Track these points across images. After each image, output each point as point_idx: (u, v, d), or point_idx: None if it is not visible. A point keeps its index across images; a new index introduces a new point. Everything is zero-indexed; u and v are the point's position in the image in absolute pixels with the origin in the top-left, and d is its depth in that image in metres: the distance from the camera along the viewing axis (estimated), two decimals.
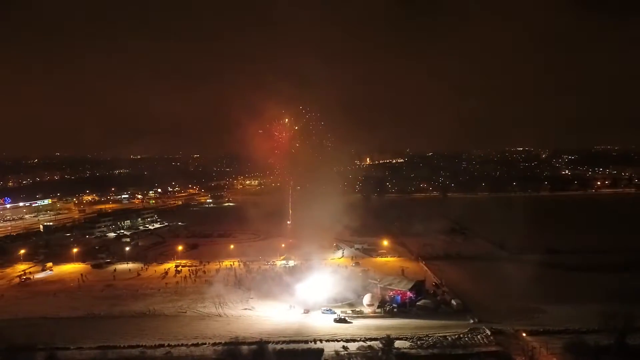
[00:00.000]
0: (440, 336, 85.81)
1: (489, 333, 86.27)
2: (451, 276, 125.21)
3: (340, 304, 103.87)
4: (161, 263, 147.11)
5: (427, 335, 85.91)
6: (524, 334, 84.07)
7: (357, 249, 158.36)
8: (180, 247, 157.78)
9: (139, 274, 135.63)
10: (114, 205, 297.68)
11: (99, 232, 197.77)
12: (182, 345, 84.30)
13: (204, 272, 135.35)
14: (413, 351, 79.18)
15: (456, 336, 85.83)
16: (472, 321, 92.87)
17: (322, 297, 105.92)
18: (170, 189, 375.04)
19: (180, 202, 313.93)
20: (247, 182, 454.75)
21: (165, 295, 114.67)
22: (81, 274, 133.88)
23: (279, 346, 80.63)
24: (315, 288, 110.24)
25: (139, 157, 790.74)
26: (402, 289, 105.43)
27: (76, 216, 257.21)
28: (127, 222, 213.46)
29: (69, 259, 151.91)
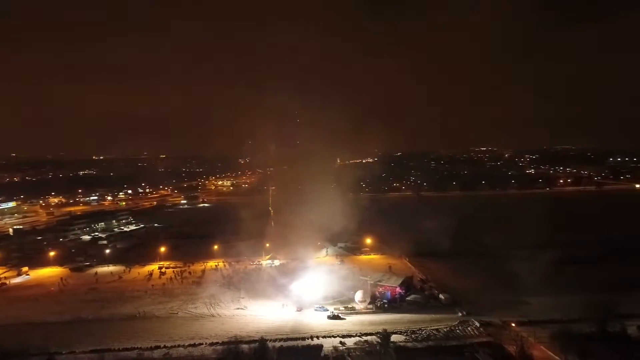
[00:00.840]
0: (432, 329, 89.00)
1: (479, 325, 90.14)
2: (435, 272, 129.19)
3: (332, 301, 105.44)
4: (143, 265, 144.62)
5: (420, 329, 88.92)
6: (513, 324, 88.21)
7: (341, 247, 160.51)
8: (162, 249, 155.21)
9: (120, 277, 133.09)
10: (84, 208, 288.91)
11: (73, 234, 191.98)
12: (179, 346, 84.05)
13: (190, 273, 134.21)
14: (409, 344, 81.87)
15: (448, 329, 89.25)
16: (460, 314, 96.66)
17: (314, 295, 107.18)
18: (141, 190, 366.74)
19: (153, 204, 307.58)
20: (220, 182, 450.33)
21: (154, 297, 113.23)
22: (61, 278, 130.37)
23: (278, 344, 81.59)
24: (306, 286, 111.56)
25: (102, 157, 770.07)
26: (391, 285, 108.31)
27: (44, 219, 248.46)
28: (102, 225, 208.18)
29: (45, 263, 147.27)
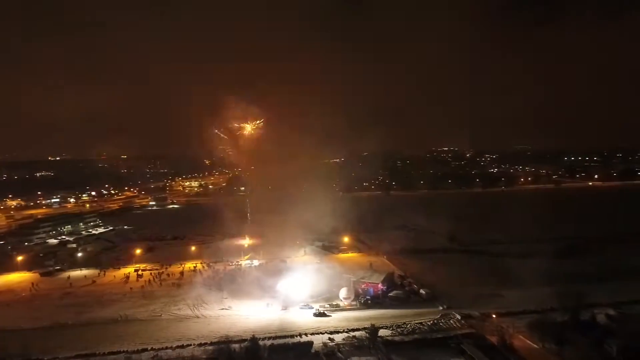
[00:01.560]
0: (417, 323, 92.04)
1: (460, 317, 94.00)
2: (413, 268, 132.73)
3: (316, 299, 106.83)
4: (118, 268, 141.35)
5: (404, 323, 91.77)
6: (494, 316, 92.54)
7: (318, 246, 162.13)
8: (138, 251, 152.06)
9: (94, 281, 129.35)
10: (46, 210, 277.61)
11: (38, 238, 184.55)
12: (167, 348, 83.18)
13: (168, 275, 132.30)
14: (397, 338, 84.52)
15: (431, 322, 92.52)
16: (441, 308, 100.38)
17: (298, 293, 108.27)
18: (105, 192, 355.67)
19: (119, 205, 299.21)
20: (187, 183, 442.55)
21: (134, 300, 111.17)
22: (32, 283, 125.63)
23: (268, 342, 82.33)
24: (289, 285, 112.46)
25: (58, 158, 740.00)
26: (374, 282, 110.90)
27: (4, 222, 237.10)
28: (69, 228, 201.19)
29: (11, 268, 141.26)
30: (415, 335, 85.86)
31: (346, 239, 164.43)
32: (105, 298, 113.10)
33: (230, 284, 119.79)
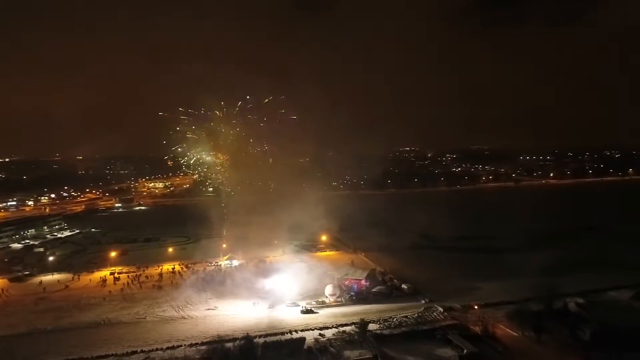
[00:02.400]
0: (402, 317, 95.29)
1: (442, 310, 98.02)
2: (391, 264, 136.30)
3: (302, 296, 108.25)
4: (92, 271, 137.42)
5: (390, 317, 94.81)
6: (476, 307, 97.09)
7: (297, 245, 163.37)
8: (113, 254, 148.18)
9: (67, 286, 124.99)
10: (4, 214, 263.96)
11: (1, 243, 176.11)
12: (157, 349, 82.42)
13: (147, 277, 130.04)
14: (385, 332, 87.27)
15: (416, 315, 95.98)
16: (424, 301, 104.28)
17: (283, 291, 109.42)
18: (66, 194, 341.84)
19: (82, 208, 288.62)
20: (151, 184, 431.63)
21: (114, 304, 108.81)
22: (1, 289, 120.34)
23: (261, 340, 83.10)
24: (274, 284, 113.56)
25: (7, 160, 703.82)
26: (357, 278, 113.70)
27: None
28: (32, 231, 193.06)
29: None
30: (403, 328, 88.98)
31: (324, 238, 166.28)
32: (84, 302, 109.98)
33: (212, 284, 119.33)
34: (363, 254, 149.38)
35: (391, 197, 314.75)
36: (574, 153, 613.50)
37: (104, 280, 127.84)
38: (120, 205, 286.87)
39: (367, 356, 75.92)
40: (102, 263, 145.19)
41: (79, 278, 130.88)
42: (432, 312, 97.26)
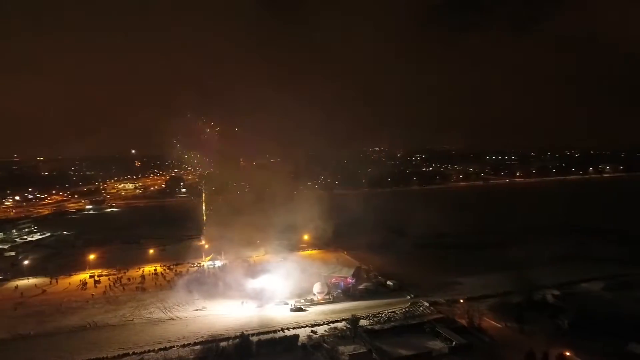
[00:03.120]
0: (390, 312, 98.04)
1: (428, 304, 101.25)
2: (372, 262, 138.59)
3: (289, 295, 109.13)
4: (70, 275, 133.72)
5: (379, 313, 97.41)
6: (461, 300, 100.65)
7: (279, 244, 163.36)
8: (92, 256, 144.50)
9: (44, 290, 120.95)
10: None
11: None
12: (149, 351, 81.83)
13: (129, 279, 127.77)
14: (376, 327, 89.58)
15: (403, 310, 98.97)
16: (409, 297, 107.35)
17: (271, 290, 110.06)
18: (31, 197, 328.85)
19: (51, 210, 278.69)
20: (121, 185, 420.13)
21: (98, 307, 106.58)
22: None
23: (255, 338, 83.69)
24: (262, 283, 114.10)
25: None
26: (344, 275, 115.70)
27: None
28: (0, 235, 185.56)
29: None
30: (392, 323, 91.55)
31: (306, 237, 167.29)
32: (65, 306, 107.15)
33: (198, 285, 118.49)
34: (345, 253, 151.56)
35: (366, 196, 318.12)
36: (536, 153, 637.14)
37: (83, 283, 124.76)
38: (91, 207, 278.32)
39: (362, 350, 77.75)
40: (80, 266, 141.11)
41: (57, 282, 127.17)
42: (419, 307, 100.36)
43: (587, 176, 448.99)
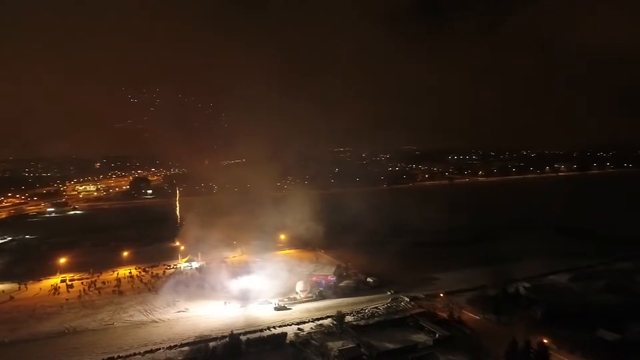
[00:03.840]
0: (373, 308, 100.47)
1: (408, 300, 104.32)
2: (351, 260, 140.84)
3: (272, 294, 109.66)
4: (39, 280, 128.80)
5: (362, 309, 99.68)
6: (442, 295, 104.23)
7: (256, 244, 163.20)
8: (62, 260, 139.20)
9: (12, 297, 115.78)
10: None
11: None
12: (135, 354, 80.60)
13: (103, 283, 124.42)
14: (361, 322, 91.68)
15: (385, 306, 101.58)
16: (389, 293, 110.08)
17: (253, 290, 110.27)
18: None
19: (8, 213, 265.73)
20: (82, 187, 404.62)
21: (75, 311, 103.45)
22: None
23: (244, 337, 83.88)
24: (243, 283, 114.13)
25: None
26: (325, 274, 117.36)
27: None
28: None
29: None
30: (376, 318, 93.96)
31: (282, 237, 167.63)
32: (39, 312, 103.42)
33: (177, 286, 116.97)
34: (323, 251, 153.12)
35: (336, 196, 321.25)
36: (495, 153, 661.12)
37: (55, 288, 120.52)
38: (52, 209, 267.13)
39: (351, 345, 79.46)
40: (48, 270, 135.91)
41: (26, 287, 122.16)
42: (400, 302, 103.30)
43: (544, 175, 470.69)
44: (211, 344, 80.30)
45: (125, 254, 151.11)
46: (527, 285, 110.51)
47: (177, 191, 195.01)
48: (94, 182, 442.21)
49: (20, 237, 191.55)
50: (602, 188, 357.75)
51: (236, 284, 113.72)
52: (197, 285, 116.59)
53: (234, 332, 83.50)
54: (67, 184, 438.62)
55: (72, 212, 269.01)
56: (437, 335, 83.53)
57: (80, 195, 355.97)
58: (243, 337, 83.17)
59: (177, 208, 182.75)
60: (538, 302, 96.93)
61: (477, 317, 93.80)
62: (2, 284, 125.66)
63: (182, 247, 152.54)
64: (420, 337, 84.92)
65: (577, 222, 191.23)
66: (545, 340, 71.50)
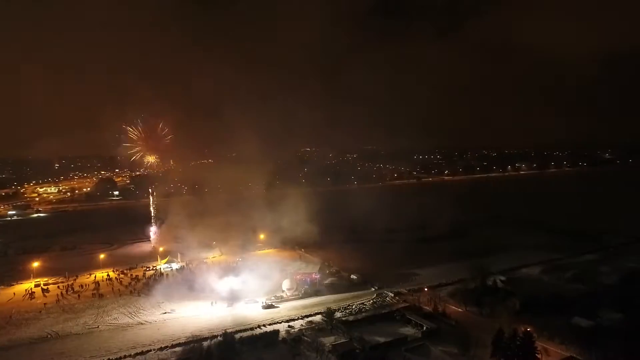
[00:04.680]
0: (359, 304, 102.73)
1: (393, 295, 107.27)
2: (332, 258, 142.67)
3: (257, 293, 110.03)
4: (11, 285, 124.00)
5: (349, 305, 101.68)
6: (426, 289, 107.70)
7: (234, 245, 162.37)
8: (35, 264, 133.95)
9: None
10: None
11: None
12: (125, 357, 79.46)
13: (81, 286, 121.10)
14: (350, 318, 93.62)
15: (371, 302, 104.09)
16: (374, 289, 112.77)
17: (238, 289, 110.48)
18: None
19: None
20: (42, 189, 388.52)
21: (55, 316, 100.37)
22: None
23: (237, 335, 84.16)
24: (227, 283, 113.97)
25: None
26: (309, 272, 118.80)
27: None
28: None
29: None
30: (364, 314, 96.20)
31: (262, 237, 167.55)
32: (17, 317, 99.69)
33: (160, 288, 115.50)
34: (303, 250, 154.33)
35: (308, 195, 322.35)
36: (458, 152, 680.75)
37: (30, 292, 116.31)
38: (14, 212, 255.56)
39: (343, 340, 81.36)
40: (19, 275, 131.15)
41: None
42: (385, 298, 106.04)
43: (506, 173, 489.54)
44: (204, 343, 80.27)
45: (102, 256, 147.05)
46: (502, 278, 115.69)
47: (152, 192, 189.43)
48: (55, 184, 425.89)
49: None
50: (560, 186, 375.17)
51: (222, 284, 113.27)
52: (181, 286, 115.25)
53: (227, 330, 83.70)
54: (26, 185, 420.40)
55: (35, 215, 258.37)
56: (424, 327, 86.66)
57: (44, 197, 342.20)
58: (236, 336, 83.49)
59: (152, 209, 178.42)
60: (514, 293, 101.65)
61: (460, 310, 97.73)
62: None
63: (161, 249, 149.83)
64: (409, 330, 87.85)
65: (543, 218, 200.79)
66: (528, 329, 75.44)
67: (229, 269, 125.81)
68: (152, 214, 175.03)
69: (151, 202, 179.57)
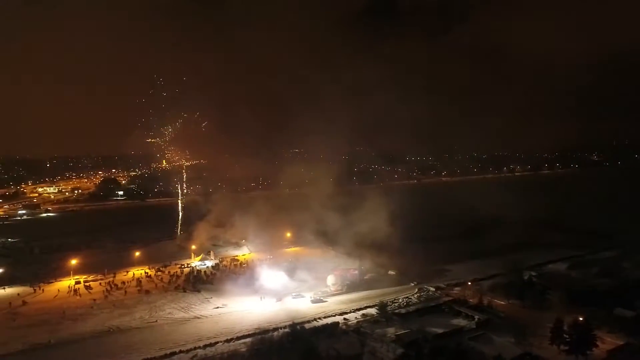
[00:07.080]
0: (405, 297, 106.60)
1: (434, 289, 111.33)
2: (360, 255, 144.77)
3: (303, 288, 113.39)
4: (50, 282, 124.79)
5: (395, 299, 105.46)
6: (469, 283, 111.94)
7: (260, 242, 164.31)
8: (73, 262, 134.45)
9: (24, 302, 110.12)
10: None
11: None
12: (195, 348, 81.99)
13: (123, 283, 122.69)
14: (402, 310, 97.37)
15: (416, 295, 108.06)
16: (413, 284, 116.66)
17: (284, 285, 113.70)
18: None
19: None
20: (42, 189, 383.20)
21: (108, 311, 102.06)
22: None
23: (298, 327, 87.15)
24: (272, 278, 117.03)
25: None
26: (349, 267, 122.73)
27: None
28: None
29: None
30: (413, 307, 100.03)
31: (288, 235, 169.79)
32: (70, 313, 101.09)
33: (203, 284, 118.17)
34: (331, 248, 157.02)
35: (285, 195, 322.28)
36: (448, 154, 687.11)
37: (74, 289, 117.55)
38: (24, 212, 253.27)
39: (405, 331, 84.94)
40: (55, 273, 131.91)
41: (42, 290, 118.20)
42: (426, 292, 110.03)
43: (502, 175, 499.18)
44: (274, 334, 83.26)
45: (137, 254, 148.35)
46: (534, 273, 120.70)
47: (180, 190, 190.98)
48: (52, 184, 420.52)
49: (3, 239, 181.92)
50: (559, 186, 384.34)
51: (266, 280, 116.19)
52: (221, 282, 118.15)
53: (295, 322, 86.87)
54: (24, 185, 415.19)
55: (44, 215, 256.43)
56: (476, 318, 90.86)
57: (45, 197, 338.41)
58: (299, 327, 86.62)
59: (180, 207, 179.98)
60: (550, 288, 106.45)
61: (503, 303, 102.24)
62: (12, 287, 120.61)
63: (193, 247, 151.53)
64: (461, 322, 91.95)
65: (552, 217, 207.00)
66: (581, 318, 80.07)
67: (271, 265, 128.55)
68: (180, 212, 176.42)
69: (180, 200, 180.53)
